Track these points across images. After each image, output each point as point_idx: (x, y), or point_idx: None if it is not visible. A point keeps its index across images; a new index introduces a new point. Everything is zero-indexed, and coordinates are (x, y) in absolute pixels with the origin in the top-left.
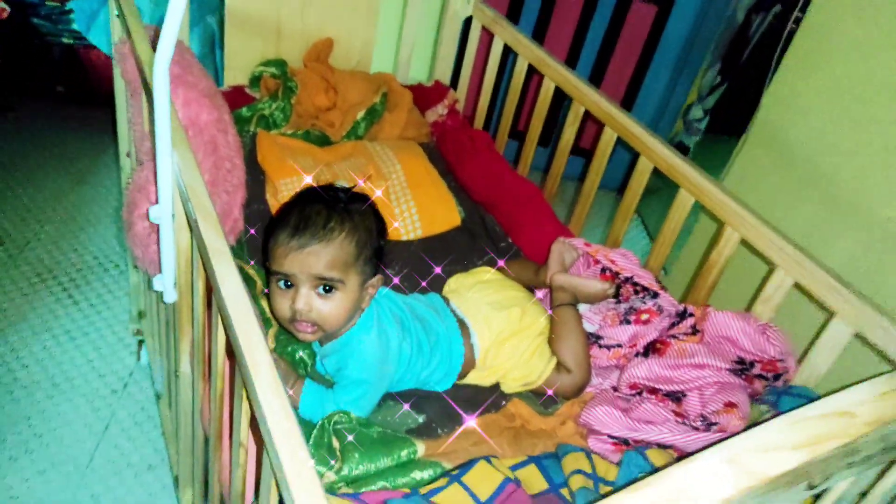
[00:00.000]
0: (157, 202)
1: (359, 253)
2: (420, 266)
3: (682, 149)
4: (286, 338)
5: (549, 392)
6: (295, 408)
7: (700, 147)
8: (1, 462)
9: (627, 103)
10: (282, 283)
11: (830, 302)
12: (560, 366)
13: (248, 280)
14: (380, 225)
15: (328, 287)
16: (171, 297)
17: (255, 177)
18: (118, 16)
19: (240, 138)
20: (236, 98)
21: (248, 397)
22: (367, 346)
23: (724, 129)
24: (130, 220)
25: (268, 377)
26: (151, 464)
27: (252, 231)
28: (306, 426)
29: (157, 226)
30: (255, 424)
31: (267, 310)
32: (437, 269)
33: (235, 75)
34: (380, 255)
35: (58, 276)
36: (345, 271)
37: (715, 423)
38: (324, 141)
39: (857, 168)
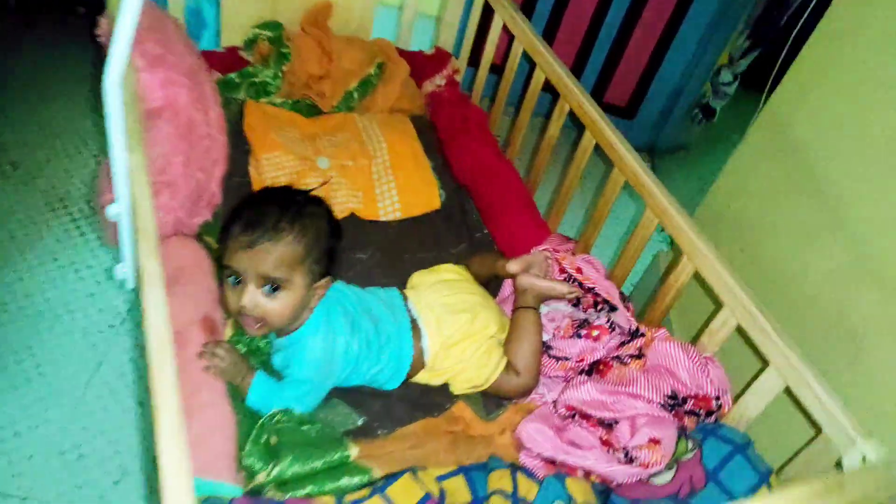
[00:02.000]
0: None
1: (306, 254)
2: (394, 248)
3: (708, 111)
4: None
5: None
6: (244, 398)
7: (726, 109)
8: (4, 389)
9: (656, 59)
10: (231, 279)
11: (766, 352)
12: (510, 367)
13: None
14: (333, 227)
15: (275, 286)
16: (131, 284)
17: (241, 147)
18: None
19: (223, 111)
20: (230, 60)
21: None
22: (312, 347)
23: (755, 86)
24: (99, 204)
25: (171, 422)
26: (142, 400)
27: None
28: (252, 418)
29: None
30: None
31: None
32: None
33: (231, 36)
34: (332, 256)
35: (68, 206)
36: (291, 271)
37: (636, 458)
38: (314, 111)
39: (851, 178)
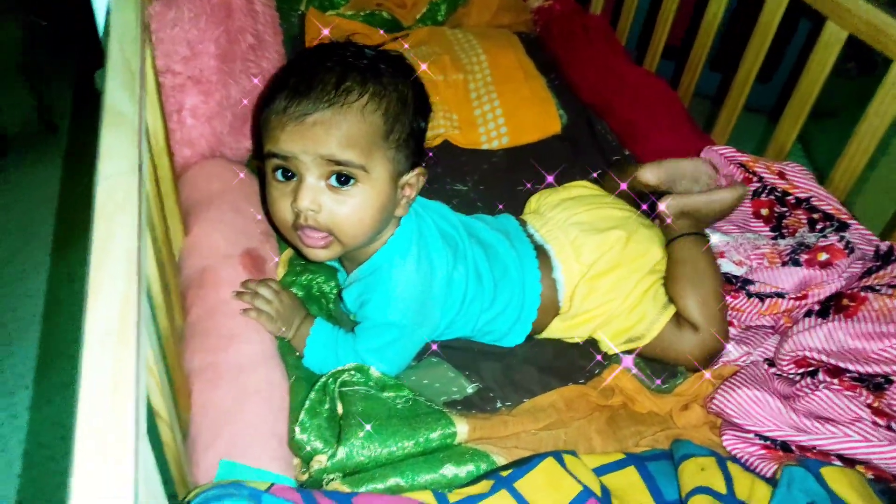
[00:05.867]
0: None
1: (389, 129)
2: (502, 179)
3: (866, 63)
4: (304, 264)
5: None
6: (300, 356)
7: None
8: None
9: None
10: (279, 174)
11: None
12: (680, 319)
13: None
14: (419, 97)
15: (345, 177)
16: None
17: None
18: None
19: (278, 15)
20: None
21: None
22: (401, 275)
23: None
24: None
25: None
26: None
27: None
28: (311, 382)
29: None
30: None
31: None
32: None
33: None
34: (420, 140)
35: None
36: (368, 153)
37: None
38: (393, 26)
39: None
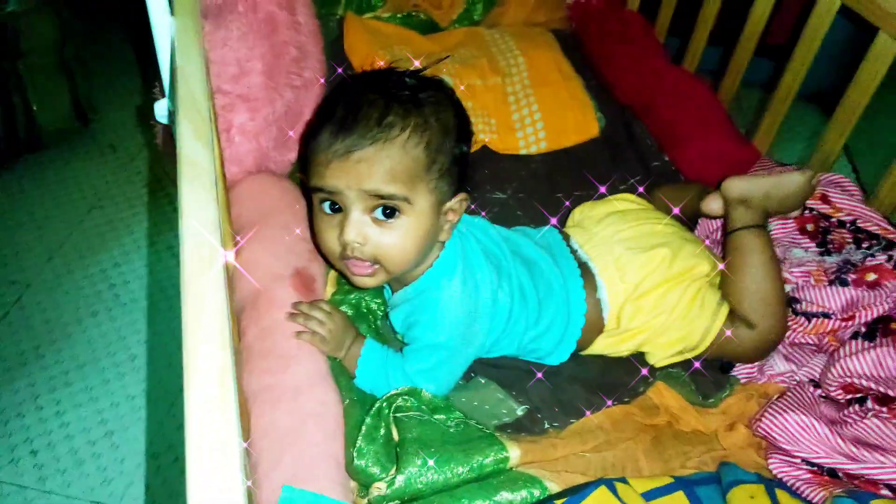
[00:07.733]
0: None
1: (431, 161)
2: (542, 186)
3: None
4: None
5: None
6: (352, 377)
7: None
8: (95, 384)
9: None
10: (326, 206)
11: None
12: (734, 316)
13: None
14: (461, 123)
15: (389, 209)
16: None
17: (343, 72)
18: None
19: (319, 23)
20: None
21: None
22: (448, 296)
23: None
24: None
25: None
26: None
27: None
28: (364, 404)
29: None
30: None
31: None
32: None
33: None
34: (463, 165)
35: (167, 188)
36: (411, 186)
37: None
38: (429, 27)
39: None
